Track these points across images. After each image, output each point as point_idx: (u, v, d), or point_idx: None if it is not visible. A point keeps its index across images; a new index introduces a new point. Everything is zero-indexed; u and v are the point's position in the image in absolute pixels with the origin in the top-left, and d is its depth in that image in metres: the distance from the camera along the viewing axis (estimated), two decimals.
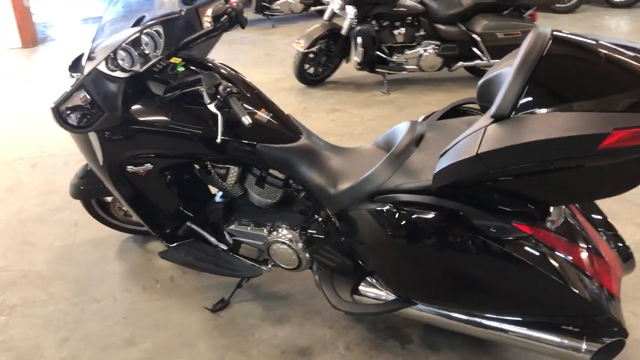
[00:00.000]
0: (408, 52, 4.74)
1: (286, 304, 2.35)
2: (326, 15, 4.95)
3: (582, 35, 1.53)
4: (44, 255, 2.73)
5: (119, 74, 1.95)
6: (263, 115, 2.01)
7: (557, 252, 1.63)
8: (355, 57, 4.72)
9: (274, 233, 2.12)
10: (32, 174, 3.59)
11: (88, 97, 1.91)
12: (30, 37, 6.81)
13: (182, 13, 2.17)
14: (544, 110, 1.40)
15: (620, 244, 1.89)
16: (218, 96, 1.81)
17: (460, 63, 4.78)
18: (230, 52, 6.35)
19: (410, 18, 4.74)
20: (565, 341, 1.69)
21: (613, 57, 1.41)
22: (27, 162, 3.73)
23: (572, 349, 1.67)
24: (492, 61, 4.55)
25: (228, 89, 1.80)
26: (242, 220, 2.24)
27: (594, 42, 1.46)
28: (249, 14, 7.89)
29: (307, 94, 4.98)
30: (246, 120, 1.76)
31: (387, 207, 1.71)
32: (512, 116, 1.45)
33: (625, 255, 1.87)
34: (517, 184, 1.52)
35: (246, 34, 7.20)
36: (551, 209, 1.67)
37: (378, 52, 4.76)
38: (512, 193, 1.59)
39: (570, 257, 1.66)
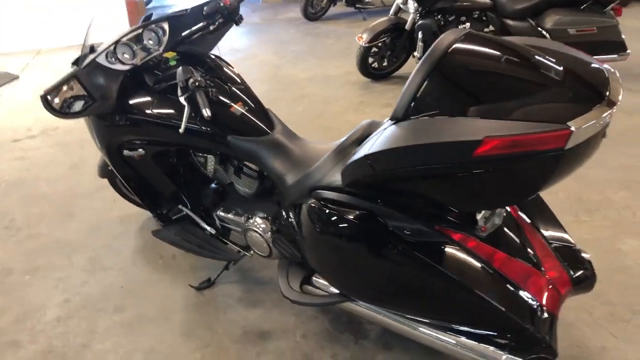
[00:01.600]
0: None
1: (264, 289, 2.47)
2: (392, 10, 4.93)
3: (500, 39, 1.48)
4: (78, 225, 3.09)
5: (118, 66, 2.17)
6: (238, 108, 2.14)
7: (479, 260, 1.60)
8: (416, 52, 4.64)
9: (250, 221, 2.24)
10: (96, 154, 4.03)
11: (80, 86, 2.14)
12: None
13: (187, 12, 2.33)
14: (434, 114, 1.40)
15: (578, 263, 1.75)
16: (188, 89, 1.96)
17: None
18: (311, 44, 6.54)
19: (477, 12, 4.54)
20: (488, 352, 1.63)
21: (511, 64, 1.37)
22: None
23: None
24: None
25: (197, 83, 1.95)
26: (228, 207, 2.40)
27: (502, 47, 1.42)
28: (340, 6, 8.01)
29: (369, 88, 5.01)
30: (205, 112, 1.90)
31: (313, 203, 1.76)
32: (407, 119, 1.44)
33: (581, 276, 1.73)
34: (413, 187, 1.52)
35: (335, 27, 7.35)
36: (478, 216, 1.61)
37: None
38: (419, 196, 1.57)
39: (496, 267, 1.60)
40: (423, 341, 1.77)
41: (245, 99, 2.20)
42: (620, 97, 1.33)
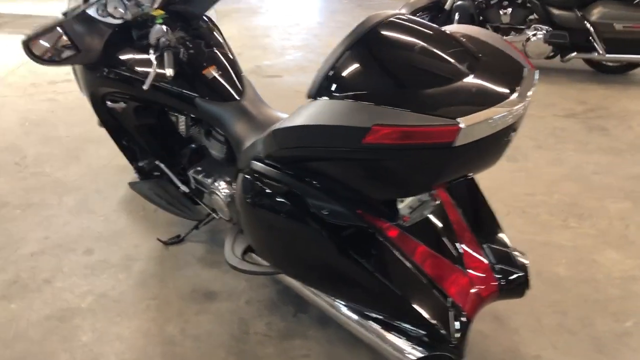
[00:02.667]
0: (513, 35, 4.33)
1: None
2: None
3: (427, 25, 1.44)
4: (79, 169, 3.27)
5: (109, 20, 2.24)
6: (210, 72, 2.17)
7: (397, 250, 1.58)
8: None
9: (215, 184, 2.29)
10: None
11: (65, 36, 2.23)
12: None
13: None
14: (341, 96, 1.37)
15: (511, 267, 1.68)
16: (158, 48, 2.01)
17: (575, 54, 4.24)
18: (360, 16, 6.38)
19: None
20: (395, 341, 1.61)
21: (424, 53, 1.34)
22: None
23: (396, 350, 1.59)
24: (608, 56, 3.96)
25: (168, 43, 2.00)
26: (202, 169, 2.45)
27: (423, 34, 1.38)
28: None
29: None
30: (167, 72, 1.95)
31: (245, 173, 1.77)
32: (316, 98, 1.44)
33: (511, 280, 1.67)
34: (317, 168, 1.51)
35: (389, 0, 7.17)
36: (399, 205, 1.58)
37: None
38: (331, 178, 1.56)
39: (415, 260, 1.57)
40: (339, 321, 1.77)
41: (222, 63, 2.21)
42: (528, 96, 1.26)
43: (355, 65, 1.37)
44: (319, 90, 1.42)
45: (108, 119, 2.51)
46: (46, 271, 2.43)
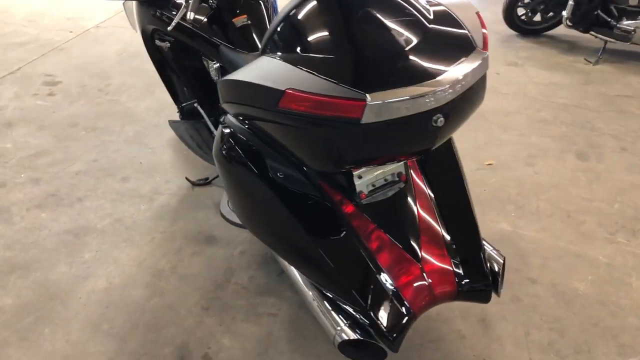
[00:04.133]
0: None
1: None
2: None
3: None
4: (150, 103, 3.52)
5: None
6: (240, 20, 2.20)
7: (346, 227, 1.50)
8: (565, 11, 4.02)
9: None
10: None
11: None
12: None
13: None
14: (280, 55, 1.34)
15: (478, 270, 1.54)
16: None
17: None
18: None
19: None
20: (335, 317, 1.57)
21: (365, 21, 1.26)
22: None
23: (332, 326, 1.56)
24: None
25: None
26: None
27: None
28: None
29: (508, 42, 4.52)
30: (189, 15, 2.03)
31: (223, 126, 1.80)
32: (263, 53, 1.43)
33: (475, 284, 1.53)
34: (261, 129, 1.49)
35: None
36: (356, 180, 1.52)
37: (601, 12, 3.94)
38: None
39: (362, 239, 1.51)
40: (293, 284, 1.75)
41: (256, 14, 2.20)
42: (463, 79, 1.14)
43: (293, 27, 1.34)
44: (263, 48, 1.39)
45: (156, 56, 2.64)
46: (82, 190, 2.67)
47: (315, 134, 1.25)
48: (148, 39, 2.57)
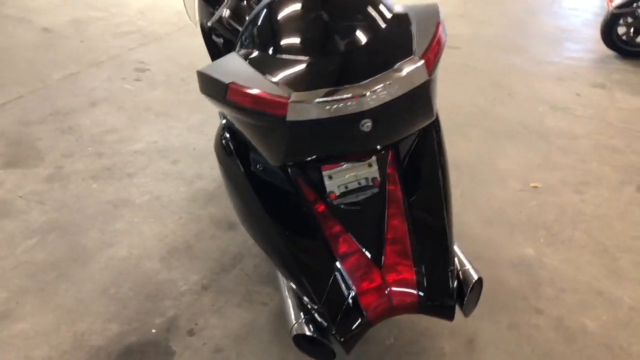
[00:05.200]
0: None
1: None
2: None
3: None
4: None
5: None
6: None
7: (314, 226, 1.53)
8: None
9: None
10: None
11: None
12: None
13: None
14: (245, 52, 1.43)
15: (442, 287, 1.50)
16: None
17: None
18: None
19: None
20: (294, 307, 1.62)
21: (308, 21, 1.34)
22: None
23: (292, 317, 1.61)
24: None
25: None
26: None
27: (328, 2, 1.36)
28: None
29: (600, 63, 4.20)
30: (224, 12, 2.18)
31: (222, 117, 1.90)
32: (236, 51, 1.53)
33: (437, 300, 1.49)
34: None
35: None
36: (326, 180, 1.56)
37: None
38: None
39: (327, 239, 1.52)
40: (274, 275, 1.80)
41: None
42: (388, 87, 1.15)
43: (254, 27, 1.42)
44: (237, 45, 1.48)
45: (214, 51, 2.81)
46: (134, 167, 2.91)
47: (257, 128, 1.30)
48: (206, 35, 2.74)
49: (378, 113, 1.21)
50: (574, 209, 2.47)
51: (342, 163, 1.48)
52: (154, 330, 1.99)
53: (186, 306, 2.05)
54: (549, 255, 2.19)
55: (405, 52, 1.24)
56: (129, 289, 2.15)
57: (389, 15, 1.36)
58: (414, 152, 1.64)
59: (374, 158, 1.50)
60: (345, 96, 1.16)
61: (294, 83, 1.21)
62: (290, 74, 1.24)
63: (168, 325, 1.97)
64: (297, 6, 1.37)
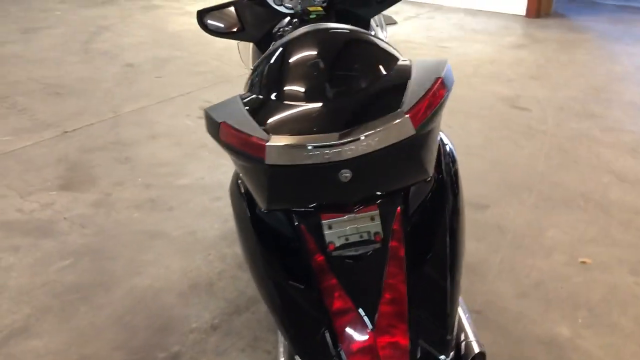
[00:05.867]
0: None
1: None
2: None
3: (347, 36, 1.44)
4: None
5: (281, 8, 2.63)
6: None
7: (308, 278, 1.47)
8: None
9: None
10: None
11: (235, 14, 2.68)
12: (538, 6, 6.72)
13: None
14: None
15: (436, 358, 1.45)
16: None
17: None
18: None
19: None
20: (281, 351, 1.63)
21: (305, 68, 1.34)
22: None
23: None
24: None
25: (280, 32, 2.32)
26: None
27: (326, 50, 1.39)
28: None
29: None
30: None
31: None
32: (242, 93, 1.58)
33: None
34: None
35: None
36: (325, 229, 1.54)
37: None
38: None
39: (321, 292, 1.45)
40: None
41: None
42: (368, 138, 1.14)
43: (258, 72, 1.43)
44: (249, 86, 1.53)
45: None
46: (177, 201, 3.02)
47: (246, 170, 1.31)
48: None
49: (357, 164, 1.19)
50: (626, 291, 2.29)
51: (344, 213, 1.46)
52: None
53: (192, 344, 2.06)
54: (586, 338, 2.03)
55: (393, 105, 1.22)
56: (143, 319, 2.19)
57: (390, 66, 1.35)
58: (424, 211, 1.59)
59: (376, 212, 1.46)
60: (321, 143, 1.15)
61: (276, 127, 1.21)
62: (276, 118, 1.24)
63: None
64: (298, 53, 1.40)
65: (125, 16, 6.96)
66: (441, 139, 1.71)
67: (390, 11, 7.01)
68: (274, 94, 1.34)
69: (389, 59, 1.42)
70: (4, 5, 7.66)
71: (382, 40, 1.52)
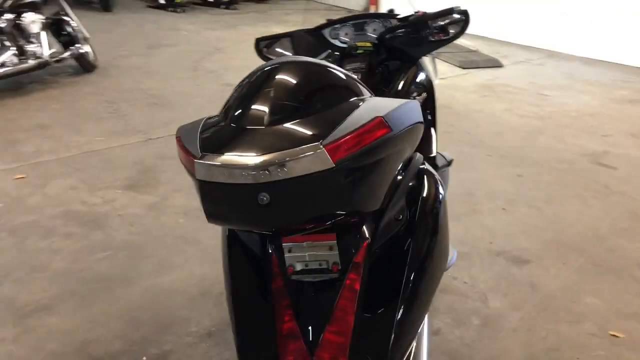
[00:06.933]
0: None
1: None
2: None
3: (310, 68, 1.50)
4: None
5: (336, 42, 2.74)
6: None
7: (264, 296, 1.51)
8: None
9: None
10: None
11: (289, 44, 2.82)
12: None
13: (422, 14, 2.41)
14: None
15: None
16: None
17: None
18: None
19: None
20: None
21: (256, 95, 1.38)
22: None
23: None
24: None
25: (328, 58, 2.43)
26: None
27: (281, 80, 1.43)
28: None
29: None
30: None
31: None
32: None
33: None
34: None
35: None
36: (285, 252, 1.51)
37: None
38: None
39: (274, 314, 1.48)
40: None
41: None
42: (279, 163, 1.17)
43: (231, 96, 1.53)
44: None
45: None
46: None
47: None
48: None
49: (275, 189, 1.23)
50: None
51: (303, 238, 1.50)
52: (144, 358, 2.14)
53: (183, 346, 2.18)
54: None
55: (318, 136, 1.24)
56: (150, 315, 2.36)
57: (339, 101, 1.38)
58: (392, 249, 1.59)
59: (334, 242, 1.49)
60: (238, 163, 1.21)
61: (209, 145, 1.28)
62: (213, 138, 1.30)
63: (156, 358, 2.12)
64: (256, 81, 1.44)
65: (240, 40, 7.47)
66: (429, 176, 1.70)
67: (499, 54, 7.02)
68: (226, 116, 1.42)
69: (342, 94, 1.44)
70: (141, 22, 8.55)
71: (350, 76, 1.54)
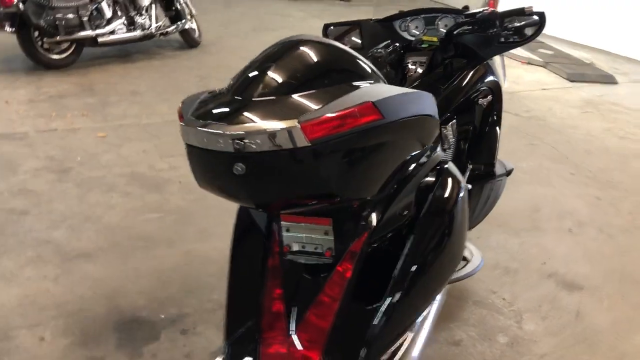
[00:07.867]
0: None
1: None
2: None
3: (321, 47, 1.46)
4: None
5: (405, 34, 2.69)
6: None
7: (259, 270, 1.56)
8: None
9: None
10: None
11: (358, 33, 2.74)
12: None
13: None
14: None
15: None
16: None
17: None
18: None
19: None
20: None
21: (261, 66, 1.37)
22: None
23: None
24: None
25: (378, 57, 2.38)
26: None
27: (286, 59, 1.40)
28: None
29: None
30: None
31: None
32: None
33: None
34: None
35: None
36: (283, 231, 1.51)
37: None
38: None
39: (266, 289, 1.52)
40: None
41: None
42: (253, 132, 1.18)
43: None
44: None
45: None
46: None
47: None
48: None
49: (250, 161, 1.22)
50: None
51: (300, 221, 1.50)
52: (162, 316, 2.21)
53: (202, 311, 2.25)
54: None
55: (297, 114, 1.22)
56: (179, 277, 2.44)
57: (338, 82, 1.35)
58: (388, 243, 1.57)
59: (329, 227, 1.47)
60: (214, 131, 1.22)
61: (199, 112, 1.29)
62: (205, 105, 1.31)
63: (174, 318, 2.19)
64: (263, 55, 1.43)
65: None
66: (448, 176, 1.63)
67: (617, 70, 6.56)
68: (227, 86, 1.42)
69: (344, 76, 1.40)
70: (254, 6, 8.83)
71: (362, 60, 1.49)
